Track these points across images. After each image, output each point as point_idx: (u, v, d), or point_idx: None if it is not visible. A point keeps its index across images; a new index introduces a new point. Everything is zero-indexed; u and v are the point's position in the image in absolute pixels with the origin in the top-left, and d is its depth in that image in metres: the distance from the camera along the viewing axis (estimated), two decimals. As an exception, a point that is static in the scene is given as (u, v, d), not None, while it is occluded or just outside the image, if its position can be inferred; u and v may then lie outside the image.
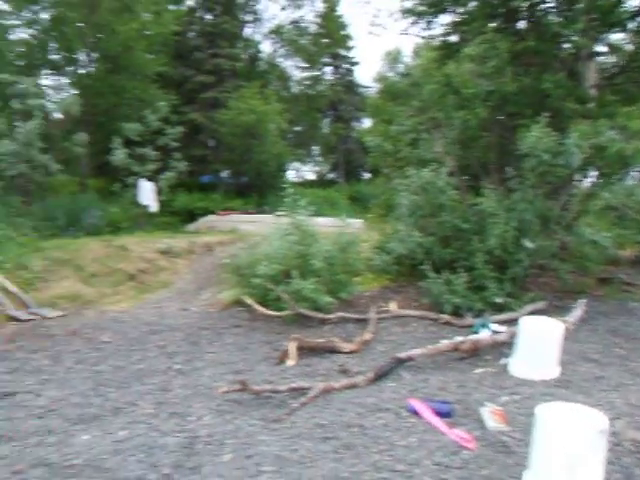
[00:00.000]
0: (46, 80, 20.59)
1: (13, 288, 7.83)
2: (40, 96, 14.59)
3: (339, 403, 4.15)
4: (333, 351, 5.58)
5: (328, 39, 31.67)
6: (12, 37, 19.73)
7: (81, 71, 20.57)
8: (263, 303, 7.08)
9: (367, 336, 5.96)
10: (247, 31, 29.66)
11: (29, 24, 19.59)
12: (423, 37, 11.97)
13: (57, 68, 21.00)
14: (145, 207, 13.95)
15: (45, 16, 19.69)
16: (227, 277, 8.35)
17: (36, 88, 14.35)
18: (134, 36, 18.65)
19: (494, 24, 9.88)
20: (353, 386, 4.50)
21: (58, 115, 16.83)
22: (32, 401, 4.49)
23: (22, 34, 20.01)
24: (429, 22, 10.89)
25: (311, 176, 36.28)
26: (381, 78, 34.80)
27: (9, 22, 19.59)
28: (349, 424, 3.75)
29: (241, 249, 8.50)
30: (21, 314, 7.34)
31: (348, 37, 32.64)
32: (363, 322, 6.59)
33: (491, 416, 3.72)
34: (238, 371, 5.13)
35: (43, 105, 14.54)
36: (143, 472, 3.17)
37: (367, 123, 33.51)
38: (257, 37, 30.49)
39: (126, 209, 14.19)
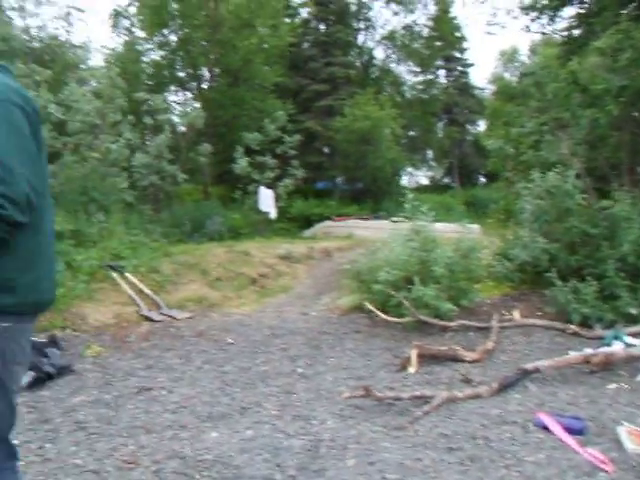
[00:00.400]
0: (173, 96, 22.13)
1: (147, 290, 8.36)
2: (168, 111, 15.64)
3: (463, 413, 4.04)
4: (455, 359, 5.43)
5: (441, 42, 31.13)
6: (144, 59, 21.44)
7: (204, 86, 21.82)
8: (383, 309, 7.03)
9: (489, 345, 5.75)
10: (360, 38, 29.90)
11: (160, 47, 21.17)
12: (544, 33, 11.42)
13: (182, 84, 22.44)
14: (265, 214, 14.46)
15: (173, 38, 21.15)
16: (346, 282, 8.38)
17: (165, 104, 15.39)
18: (253, 50, 19.47)
19: (626, 11, 9.18)
20: (477, 396, 4.35)
21: (183, 128, 17.90)
22: (166, 397, 4.71)
23: (153, 56, 21.72)
24: (552, 17, 10.36)
25: (424, 181, 35.79)
26: (496, 79, 33.65)
27: (143, 47, 21.35)
28: (474, 435, 3.64)
29: (361, 255, 8.50)
30: (154, 314, 7.76)
31: (462, 38, 31.90)
32: (485, 330, 6.36)
33: (630, 437, 3.45)
34: (359, 377, 5.11)
35: (171, 119, 15.58)
36: (269, 472, 3.25)
37: (483, 126, 32.57)
38: (370, 44, 30.67)
39: (246, 215, 14.78)
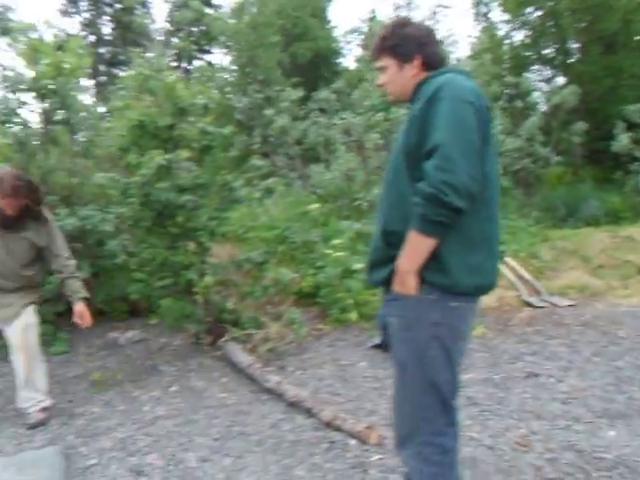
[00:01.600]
0: (537, 75, 21.41)
1: (527, 275, 8.38)
2: (537, 92, 15.21)
3: None
4: None
5: None
6: (507, 42, 21.31)
7: (570, 60, 20.50)
8: None
9: None
10: None
11: (523, 25, 20.72)
12: None
13: (546, 62, 21.50)
14: (650, 195, 12.92)
15: (537, 14, 20.43)
16: None
17: (532, 85, 14.99)
18: (633, 8, 17.33)
19: None
20: None
21: (549, 107, 17.20)
22: (554, 385, 4.68)
23: (516, 37, 21.44)
24: None
25: None
26: None
27: (505, 30, 21.29)
28: None
29: None
30: (535, 300, 7.76)
31: None
32: None
33: None
34: None
35: (540, 100, 15.12)
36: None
37: None
38: None
39: (627, 198, 13.40)
